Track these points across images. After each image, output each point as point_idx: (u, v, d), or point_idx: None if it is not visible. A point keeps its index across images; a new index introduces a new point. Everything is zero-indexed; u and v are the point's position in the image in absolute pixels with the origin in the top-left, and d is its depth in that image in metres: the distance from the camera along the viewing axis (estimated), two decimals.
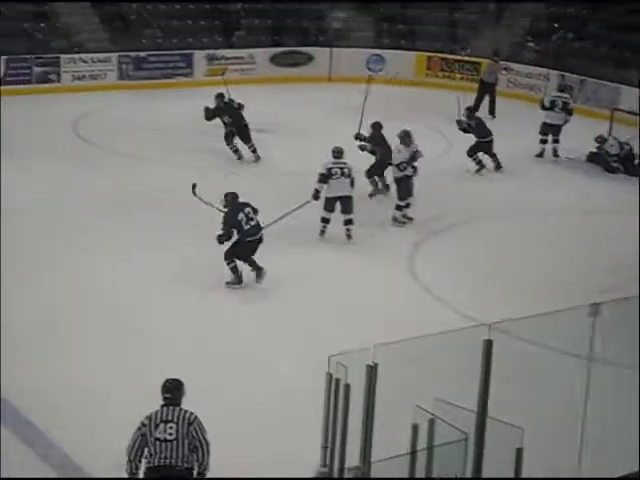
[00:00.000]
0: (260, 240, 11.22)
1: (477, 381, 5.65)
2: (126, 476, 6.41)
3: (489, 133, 16.43)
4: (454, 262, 12.15)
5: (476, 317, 9.63)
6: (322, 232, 12.90)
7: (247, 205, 11.27)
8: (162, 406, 6.49)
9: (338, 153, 12.85)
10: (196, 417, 6.48)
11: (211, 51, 23.18)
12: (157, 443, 6.32)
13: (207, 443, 6.42)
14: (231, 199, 11.16)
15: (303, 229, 12.65)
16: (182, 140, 17.08)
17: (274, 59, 23.92)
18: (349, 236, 12.90)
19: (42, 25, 22.16)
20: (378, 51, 23.80)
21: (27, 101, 19.37)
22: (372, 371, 5.87)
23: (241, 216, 11.12)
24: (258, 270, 11.22)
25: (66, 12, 22.77)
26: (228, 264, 11.16)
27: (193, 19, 24.22)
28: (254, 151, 16.29)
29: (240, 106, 16.05)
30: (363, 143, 14.75)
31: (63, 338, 9.55)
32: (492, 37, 24.44)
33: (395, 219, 13.51)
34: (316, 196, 12.71)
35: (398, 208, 13.48)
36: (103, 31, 23.09)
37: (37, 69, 21.02)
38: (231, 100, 16.19)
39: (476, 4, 25.29)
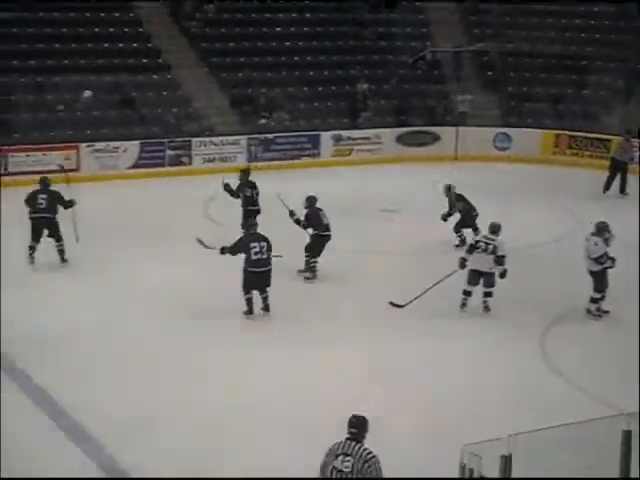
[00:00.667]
0: (265, 273, 12.17)
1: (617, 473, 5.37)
2: None
3: None
4: (588, 344, 11.85)
5: (614, 404, 9.27)
6: (463, 304, 12.87)
7: (265, 240, 12.21)
8: (346, 439, 7.03)
9: (493, 228, 12.83)
10: (374, 456, 6.93)
11: (337, 132, 23.50)
12: (334, 472, 6.97)
13: None
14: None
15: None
16: None
17: (400, 139, 23.99)
18: (486, 308, 12.85)
19: (174, 110, 22.82)
20: (504, 129, 23.77)
21: (160, 183, 19.94)
22: (506, 462, 5.69)
23: (254, 245, 12.06)
24: (264, 303, 12.33)
25: (198, 97, 23.48)
26: (244, 294, 12.27)
27: (320, 101, 24.64)
28: None
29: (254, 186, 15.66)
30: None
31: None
32: (622, 113, 24.02)
33: (589, 311, 12.89)
34: (462, 265, 12.78)
35: (594, 301, 12.84)
36: (232, 114, 23.61)
37: (170, 152, 21.58)
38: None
39: (606, 81, 24.93)
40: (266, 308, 12.52)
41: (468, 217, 15.69)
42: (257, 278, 12.19)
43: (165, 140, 21.68)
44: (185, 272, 13.89)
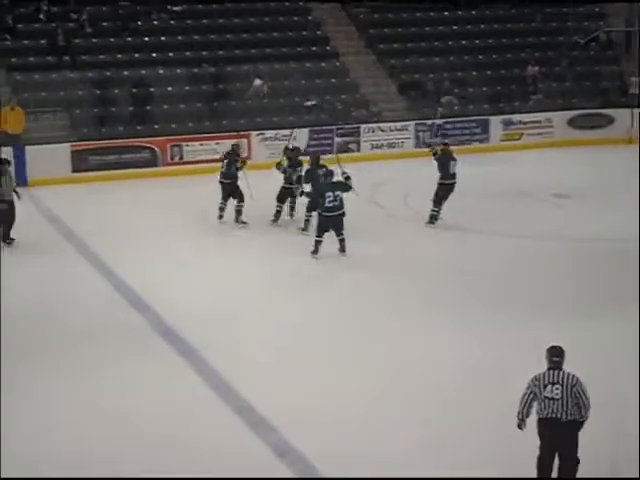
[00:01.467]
0: (339, 217, 13.70)
1: None
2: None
3: None
4: None
5: None
6: None
7: (338, 187, 13.85)
8: (548, 369, 7.61)
9: None
10: (578, 379, 7.54)
11: (507, 116, 23.12)
12: (546, 401, 7.50)
13: (588, 399, 7.51)
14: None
15: None
16: (488, 205, 16.87)
17: (572, 122, 23.49)
18: None
19: (343, 97, 22.84)
20: None
21: None
22: None
23: (329, 194, 13.67)
24: (341, 244, 13.84)
25: (365, 83, 23.54)
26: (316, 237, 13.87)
27: (489, 85, 24.30)
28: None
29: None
30: None
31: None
32: None
33: None
34: None
35: None
36: (400, 100, 23.57)
37: (338, 139, 21.43)
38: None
39: None
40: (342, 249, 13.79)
41: None
42: (330, 221, 13.71)
43: (333, 127, 21.67)
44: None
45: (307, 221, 15.32)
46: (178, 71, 22.38)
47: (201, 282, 12.72)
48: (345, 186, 14.20)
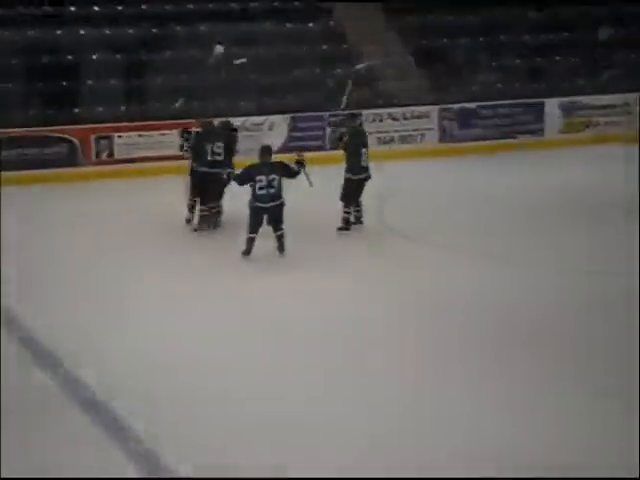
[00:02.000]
0: (276, 208, 14.44)
1: None
2: None
3: None
4: None
5: None
6: None
7: (274, 169, 14.49)
8: None
9: None
10: None
11: (569, 98, 22.87)
12: None
13: None
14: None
15: None
16: (541, 224, 16.41)
17: None
18: None
19: (338, 71, 22.66)
20: None
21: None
22: None
23: (260, 177, 14.33)
24: (279, 241, 14.59)
25: (370, 51, 23.30)
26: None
27: (543, 55, 24.09)
28: None
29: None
30: None
31: None
32: None
33: None
34: None
35: None
36: (418, 75, 23.63)
37: (331, 130, 21.28)
38: None
39: None
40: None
41: None
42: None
43: (325, 113, 21.53)
44: None
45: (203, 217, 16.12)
46: (107, 32, 22.22)
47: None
48: (286, 169, 14.78)
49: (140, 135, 20.43)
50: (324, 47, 23.34)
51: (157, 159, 19.55)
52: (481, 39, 24.02)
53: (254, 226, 14.58)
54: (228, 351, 11.22)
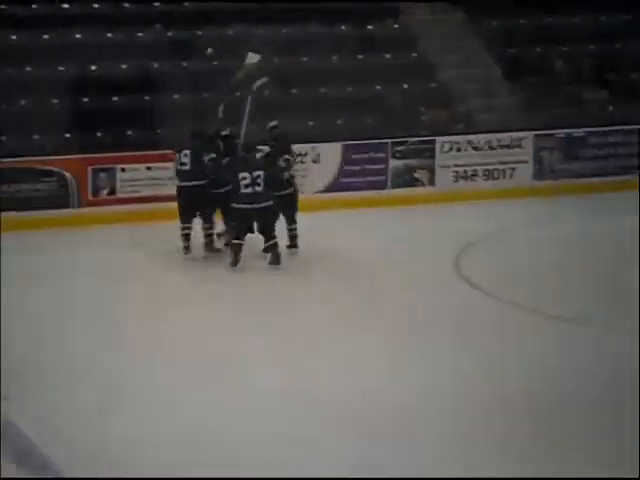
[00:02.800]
0: (264, 210, 14.61)
1: None
2: None
3: None
4: None
5: None
6: None
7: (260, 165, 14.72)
8: None
9: None
10: None
11: None
12: None
13: None
14: None
15: None
16: None
17: None
18: None
19: (405, 86, 21.26)
20: None
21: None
22: None
23: (244, 175, 14.45)
24: (272, 251, 14.66)
25: (446, 61, 21.96)
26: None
27: None
28: None
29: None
30: None
31: None
32: None
33: None
34: None
35: None
36: (507, 93, 21.98)
37: (395, 162, 19.68)
38: None
39: None
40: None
41: None
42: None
43: (387, 141, 19.71)
44: None
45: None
46: (109, 35, 20.77)
47: None
48: (272, 166, 15.05)
49: (148, 167, 18.78)
50: (387, 56, 21.89)
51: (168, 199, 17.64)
52: (591, 46, 22.88)
53: (239, 231, 14.80)
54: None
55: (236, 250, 14.70)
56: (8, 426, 11.03)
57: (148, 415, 11.12)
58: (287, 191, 15.18)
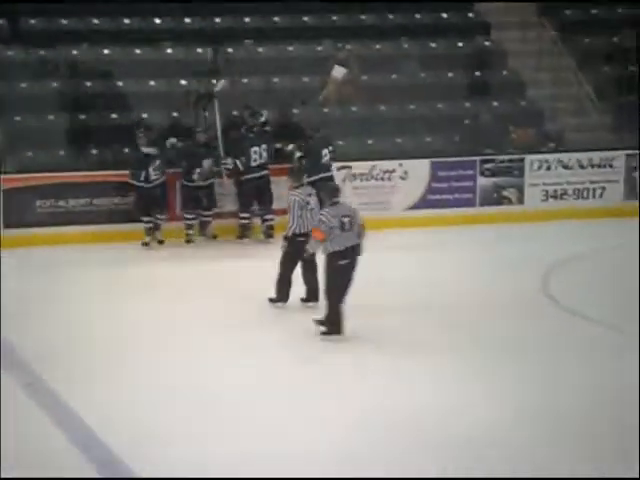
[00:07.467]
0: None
1: None
2: None
3: None
4: None
5: None
6: None
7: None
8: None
9: None
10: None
11: None
12: None
13: None
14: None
15: None
16: None
17: None
18: None
19: (495, 104, 21.39)
20: None
21: None
22: None
23: (255, 148, 15.93)
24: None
25: (536, 79, 22.01)
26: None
27: None
28: None
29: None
30: None
31: None
32: None
33: None
34: None
35: None
36: (599, 112, 21.87)
37: (484, 180, 19.85)
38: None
39: None
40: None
41: None
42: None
43: (476, 158, 19.77)
44: None
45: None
46: (138, 52, 20.48)
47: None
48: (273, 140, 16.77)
49: None
50: (477, 74, 21.92)
51: None
52: None
53: (246, 203, 16.34)
54: None
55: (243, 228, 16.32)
56: None
57: None
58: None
